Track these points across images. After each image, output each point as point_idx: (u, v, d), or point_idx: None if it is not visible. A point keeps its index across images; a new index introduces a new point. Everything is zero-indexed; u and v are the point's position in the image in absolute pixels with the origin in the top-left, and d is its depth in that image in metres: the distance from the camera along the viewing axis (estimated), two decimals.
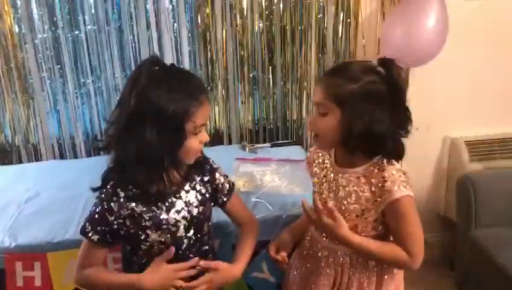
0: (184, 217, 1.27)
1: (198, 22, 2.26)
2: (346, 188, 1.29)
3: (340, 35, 2.34)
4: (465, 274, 2.05)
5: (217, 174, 1.38)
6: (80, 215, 1.69)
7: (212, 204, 1.39)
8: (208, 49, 2.31)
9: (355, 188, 1.28)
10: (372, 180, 1.25)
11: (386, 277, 1.34)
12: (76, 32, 2.21)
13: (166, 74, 1.18)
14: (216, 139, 2.46)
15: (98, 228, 1.24)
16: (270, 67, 2.39)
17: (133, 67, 2.28)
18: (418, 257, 1.24)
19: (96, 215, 1.24)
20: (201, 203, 1.31)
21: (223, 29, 2.29)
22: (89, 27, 2.21)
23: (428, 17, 2.04)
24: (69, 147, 2.38)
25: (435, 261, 2.36)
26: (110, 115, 1.22)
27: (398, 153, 1.25)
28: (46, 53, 2.22)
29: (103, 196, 1.24)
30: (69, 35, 2.21)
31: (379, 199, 1.24)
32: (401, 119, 1.23)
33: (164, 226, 1.25)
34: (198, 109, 1.17)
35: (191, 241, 1.30)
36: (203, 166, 1.35)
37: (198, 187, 1.32)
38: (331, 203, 1.27)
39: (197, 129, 1.19)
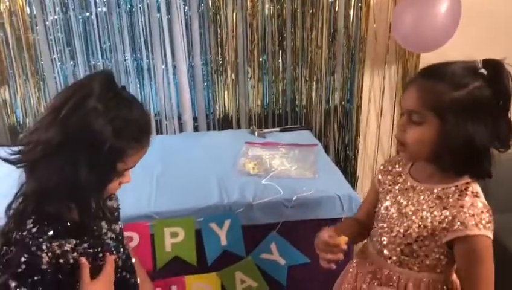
0: (111, 238, 1.17)
1: (208, 4, 2.26)
2: (414, 206, 1.15)
3: (351, 19, 2.33)
4: None
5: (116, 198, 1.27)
6: None
7: None
8: (218, 32, 2.30)
9: (424, 206, 1.13)
10: (448, 205, 1.09)
11: None
12: (87, 14, 2.22)
13: (116, 101, 1.01)
14: (225, 123, 2.47)
15: (29, 280, 0.98)
16: (280, 51, 2.38)
17: (144, 50, 2.29)
18: None
19: (24, 266, 0.98)
20: (118, 218, 1.23)
21: (233, 12, 2.28)
22: (99, 9, 2.21)
23: (440, 2, 2.03)
24: None
25: None
26: (38, 119, 1.03)
27: (489, 172, 1.10)
28: (57, 35, 2.22)
29: (29, 240, 1.00)
30: (80, 17, 2.21)
31: (448, 229, 1.08)
32: (503, 130, 1.08)
33: (100, 255, 1.10)
34: (136, 152, 1.04)
35: (123, 258, 1.20)
36: None
37: (109, 203, 1.21)
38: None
39: (125, 172, 1.07)
